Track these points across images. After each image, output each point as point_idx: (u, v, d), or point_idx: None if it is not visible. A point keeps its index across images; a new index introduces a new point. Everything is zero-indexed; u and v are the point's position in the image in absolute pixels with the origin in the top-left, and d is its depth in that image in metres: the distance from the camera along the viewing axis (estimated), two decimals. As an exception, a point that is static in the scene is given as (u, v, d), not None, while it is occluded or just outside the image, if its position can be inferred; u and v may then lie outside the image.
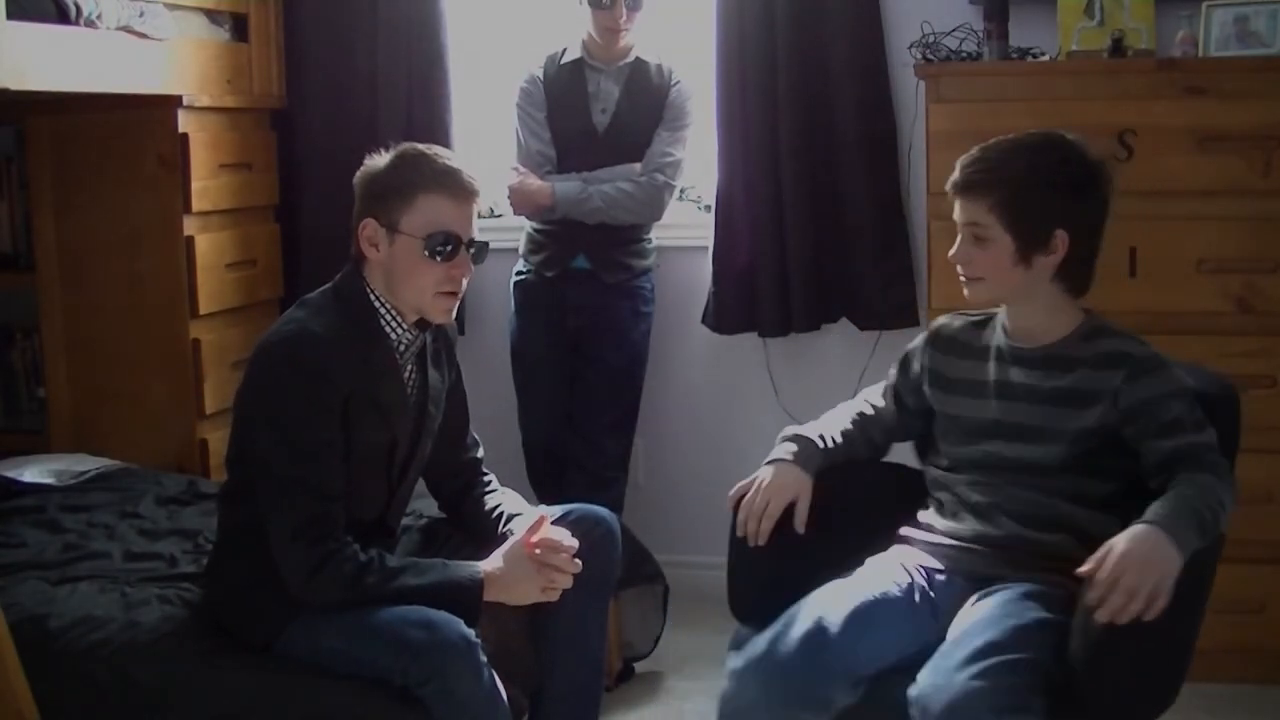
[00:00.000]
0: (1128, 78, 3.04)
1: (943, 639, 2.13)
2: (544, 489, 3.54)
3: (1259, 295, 2.99)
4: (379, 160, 2.35)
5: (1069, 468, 2.22)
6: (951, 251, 2.29)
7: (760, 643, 2.17)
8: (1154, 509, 2.02)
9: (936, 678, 1.98)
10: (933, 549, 2.31)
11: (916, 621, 2.21)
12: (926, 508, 2.38)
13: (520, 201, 3.46)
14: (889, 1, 3.53)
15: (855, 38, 3.51)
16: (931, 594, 2.25)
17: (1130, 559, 1.93)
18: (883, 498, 2.47)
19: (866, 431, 2.48)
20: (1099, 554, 1.96)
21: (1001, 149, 2.26)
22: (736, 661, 2.19)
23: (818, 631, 2.13)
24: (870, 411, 2.50)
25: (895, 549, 2.36)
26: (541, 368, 3.58)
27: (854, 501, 2.45)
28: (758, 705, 2.13)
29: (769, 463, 2.40)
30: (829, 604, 2.18)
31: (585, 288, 3.48)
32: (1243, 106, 2.96)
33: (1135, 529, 1.98)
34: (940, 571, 2.27)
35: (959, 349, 2.39)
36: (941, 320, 2.46)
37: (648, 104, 3.47)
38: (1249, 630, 3.07)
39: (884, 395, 2.50)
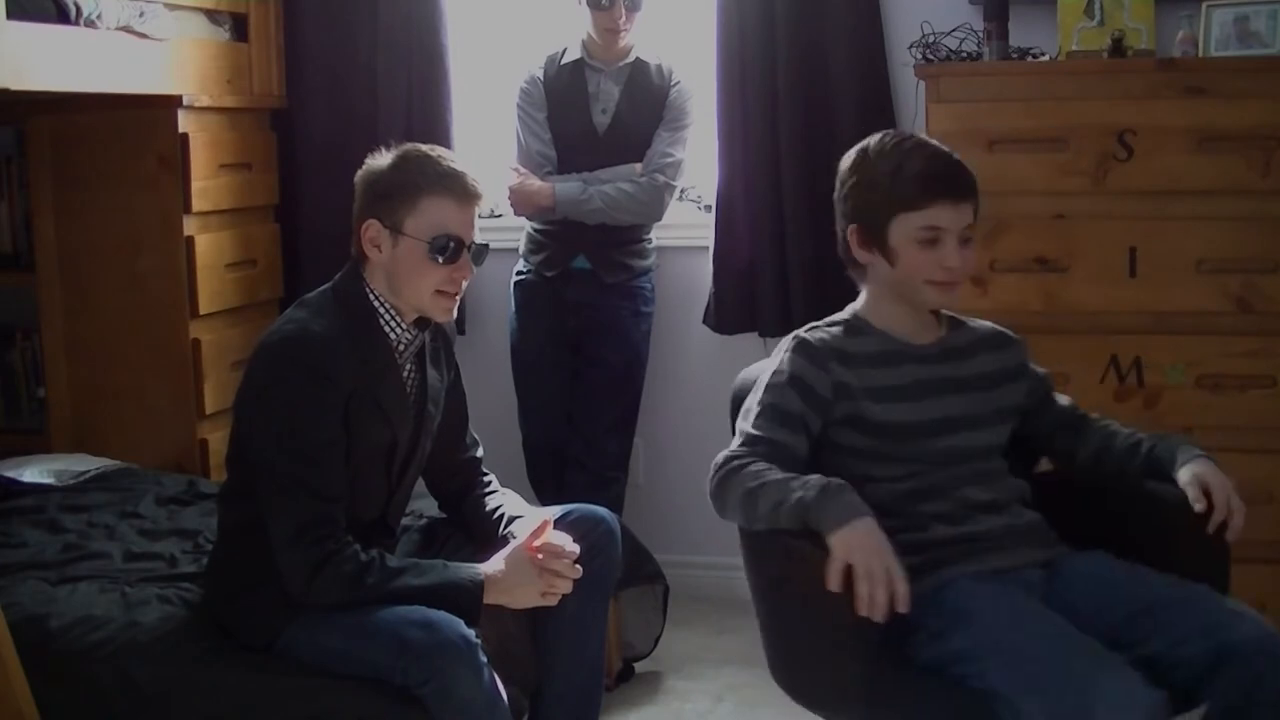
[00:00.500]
0: (1128, 78, 3.04)
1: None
2: (544, 489, 3.54)
3: (1259, 295, 2.99)
4: (381, 160, 2.35)
5: (1005, 445, 2.36)
6: (949, 259, 2.22)
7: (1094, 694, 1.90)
8: (1174, 446, 2.27)
9: (1256, 629, 2.03)
10: (982, 557, 2.21)
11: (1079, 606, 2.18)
12: (914, 528, 2.23)
13: (521, 202, 3.46)
14: (889, 1, 3.53)
15: (855, 38, 3.51)
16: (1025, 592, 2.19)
17: (1228, 485, 2.21)
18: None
19: (787, 469, 2.19)
20: (1195, 490, 2.18)
21: (952, 154, 2.28)
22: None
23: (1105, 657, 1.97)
24: (780, 447, 2.22)
25: (947, 572, 2.19)
26: (542, 368, 3.58)
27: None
28: None
29: (852, 521, 2.03)
30: (1048, 621, 2.05)
31: (585, 288, 3.48)
32: (1243, 106, 2.96)
33: (1200, 463, 2.22)
34: (1001, 572, 2.19)
35: (853, 359, 2.28)
36: (812, 336, 2.30)
37: (648, 104, 3.47)
38: (1249, 630, 3.07)
39: (780, 427, 2.22)
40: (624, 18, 3.36)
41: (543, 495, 3.46)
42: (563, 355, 3.56)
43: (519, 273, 3.60)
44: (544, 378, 3.59)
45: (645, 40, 3.48)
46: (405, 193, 2.29)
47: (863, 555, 1.99)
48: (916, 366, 2.30)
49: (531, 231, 3.56)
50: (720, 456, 2.24)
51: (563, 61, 3.49)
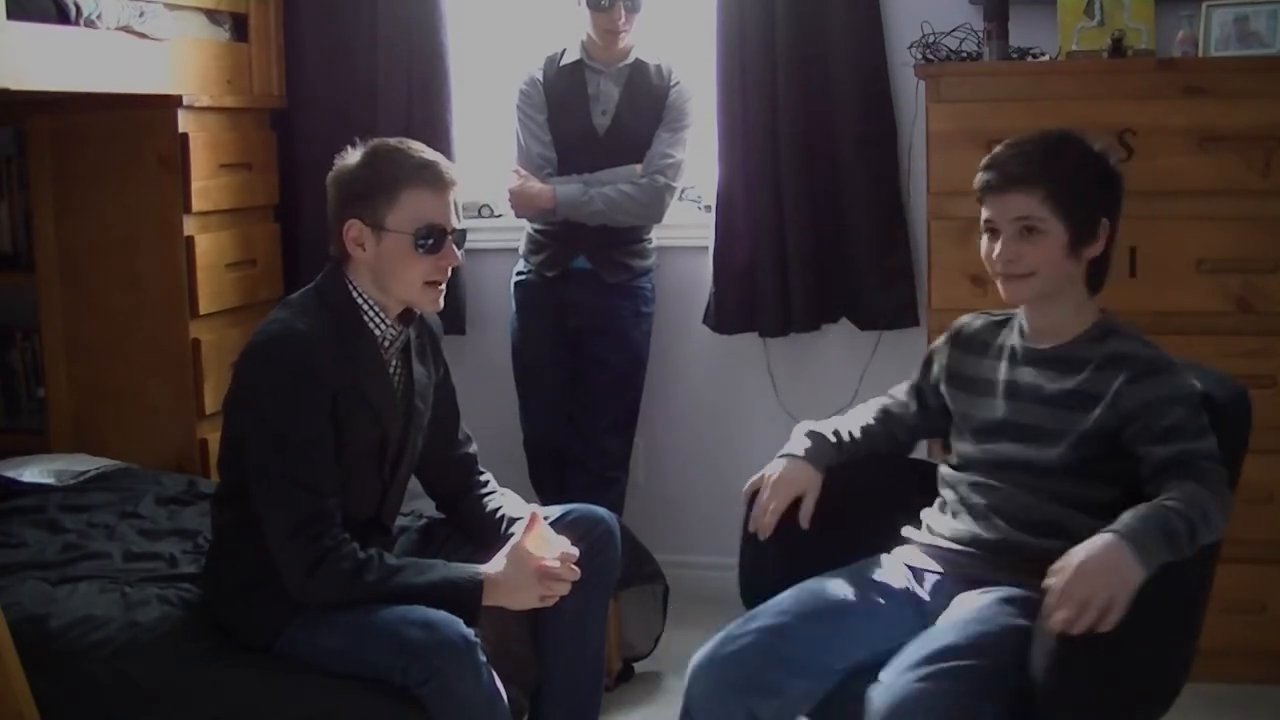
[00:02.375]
0: (1128, 78, 3.04)
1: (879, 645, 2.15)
2: (545, 488, 3.54)
3: (1259, 295, 2.99)
4: (351, 159, 2.35)
5: (1069, 470, 2.19)
6: (996, 251, 2.23)
7: (720, 633, 2.21)
8: (1125, 518, 1.97)
9: (888, 677, 1.99)
10: (928, 549, 2.31)
11: (898, 620, 2.20)
12: (933, 505, 2.38)
13: (522, 204, 3.46)
14: (889, 1, 3.53)
15: (855, 38, 3.51)
16: (921, 594, 2.25)
17: (1086, 569, 1.89)
18: (899, 492, 2.45)
19: (889, 428, 2.48)
20: (1058, 564, 1.93)
21: (1036, 143, 2.25)
22: (697, 654, 2.22)
23: (777, 623, 2.17)
24: (895, 408, 2.50)
25: (897, 548, 2.36)
26: (542, 368, 3.58)
27: (868, 496, 2.45)
28: (710, 694, 2.17)
29: (781, 456, 2.41)
30: (801, 598, 2.22)
31: (586, 288, 3.48)
32: (1243, 106, 2.96)
33: (1096, 539, 1.94)
34: (932, 572, 2.27)
35: (978, 348, 2.39)
36: (964, 319, 2.46)
37: (648, 105, 3.46)
38: (1249, 630, 3.07)
39: (908, 393, 2.51)
40: (623, 19, 3.36)
41: (543, 495, 3.46)
42: (563, 355, 3.56)
43: (519, 273, 3.60)
44: (544, 378, 3.59)
45: (645, 41, 3.48)
46: (383, 189, 2.29)
47: (770, 478, 2.36)
48: (1005, 365, 2.32)
49: (532, 232, 3.56)
50: None
51: (562, 63, 3.49)
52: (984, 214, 2.26)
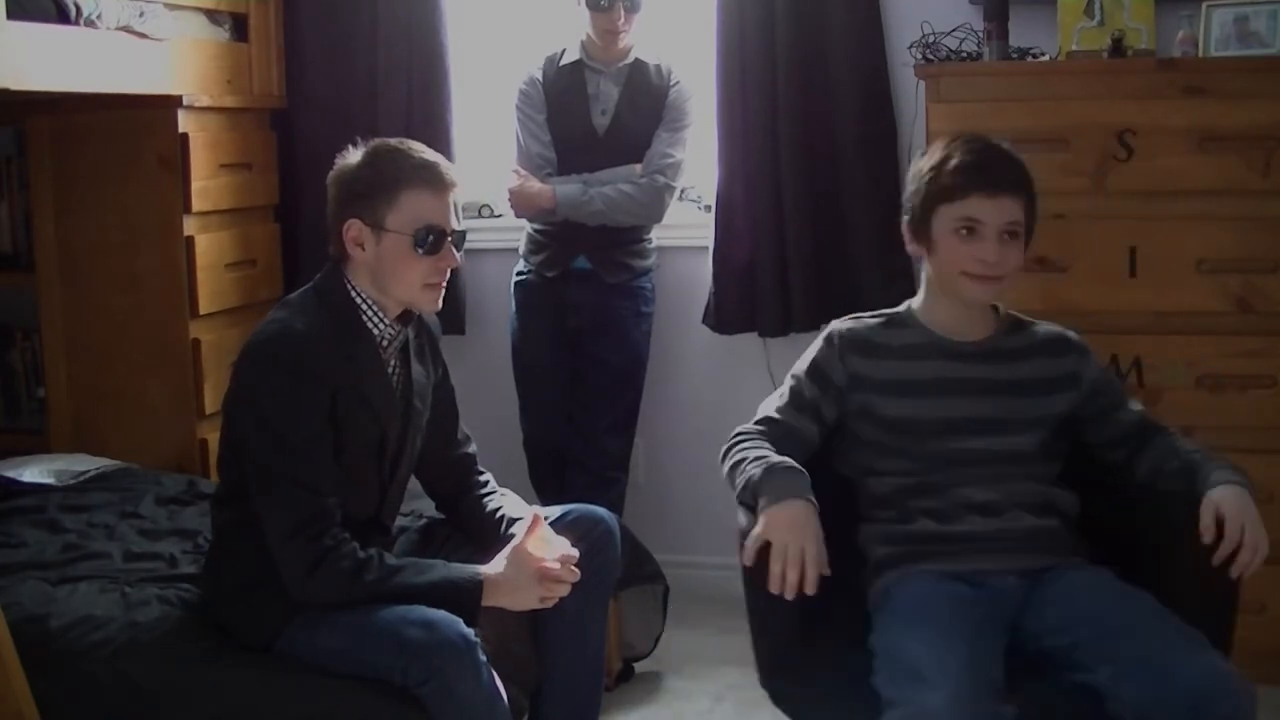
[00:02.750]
0: (1128, 78, 3.04)
1: (1007, 633, 2.12)
2: (545, 489, 3.54)
3: (1259, 295, 2.99)
4: (352, 159, 2.35)
5: (1044, 453, 2.31)
6: (976, 251, 2.24)
7: (930, 701, 1.94)
8: (1215, 470, 2.17)
9: (1192, 668, 1.97)
10: (956, 558, 2.24)
11: (994, 630, 2.14)
12: (901, 521, 2.28)
13: (521, 204, 3.45)
14: (889, 1, 3.53)
15: (855, 38, 3.50)
16: (984, 598, 2.18)
17: (1247, 517, 2.08)
18: (838, 506, 2.32)
19: (791, 453, 2.26)
20: (1208, 518, 2.10)
21: (1002, 150, 2.29)
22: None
23: (960, 661, 1.99)
24: (797, 434, 2.33)
25: (917, 568, 2.23)
26: (542, 368, 3.58)
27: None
28: None
29: (770, 504, 2.11)
30: (947, 654, 2.00)
31: (586, 288, 3.48)
32: (1243, 106, 2.96)
33: (1226, 490, 2.12)
34: (979, 574, 2.21)
35: (880, 351, 2.35)
36: (837, 325, 2.41)
37: (648, 105, 3.46)
38: (1249, 630, 3.05)
39: (795, 412, 2.34)
40: (623, 19, 3.36)
41: (544, 495, 3.46)
42: (563, 355, 3.56)
43: (519, 273, 3.60)
44: (544, 378, 3.59)
45: (645, 41, 3.48)
46: (383, 189, 2.29)
47: (780, 533, 2.06)
48: (949, 363, 2.32)
49: (532, 232, 3.56)
50: (733, 431, 2.35)
51: (562, 63, 3.48)
52: (964, 212, 2.25)
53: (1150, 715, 1.96)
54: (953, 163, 2.26)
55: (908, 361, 2.33)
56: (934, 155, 2.32)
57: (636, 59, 3.46)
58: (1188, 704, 1.93)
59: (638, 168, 3.44)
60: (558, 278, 3.50)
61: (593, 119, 3.46)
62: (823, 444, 2.36)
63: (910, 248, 2.37)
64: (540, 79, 3.50)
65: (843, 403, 2.34)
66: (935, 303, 2.36)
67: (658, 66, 3.48)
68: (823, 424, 2.36)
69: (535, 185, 3.42)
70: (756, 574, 2.08)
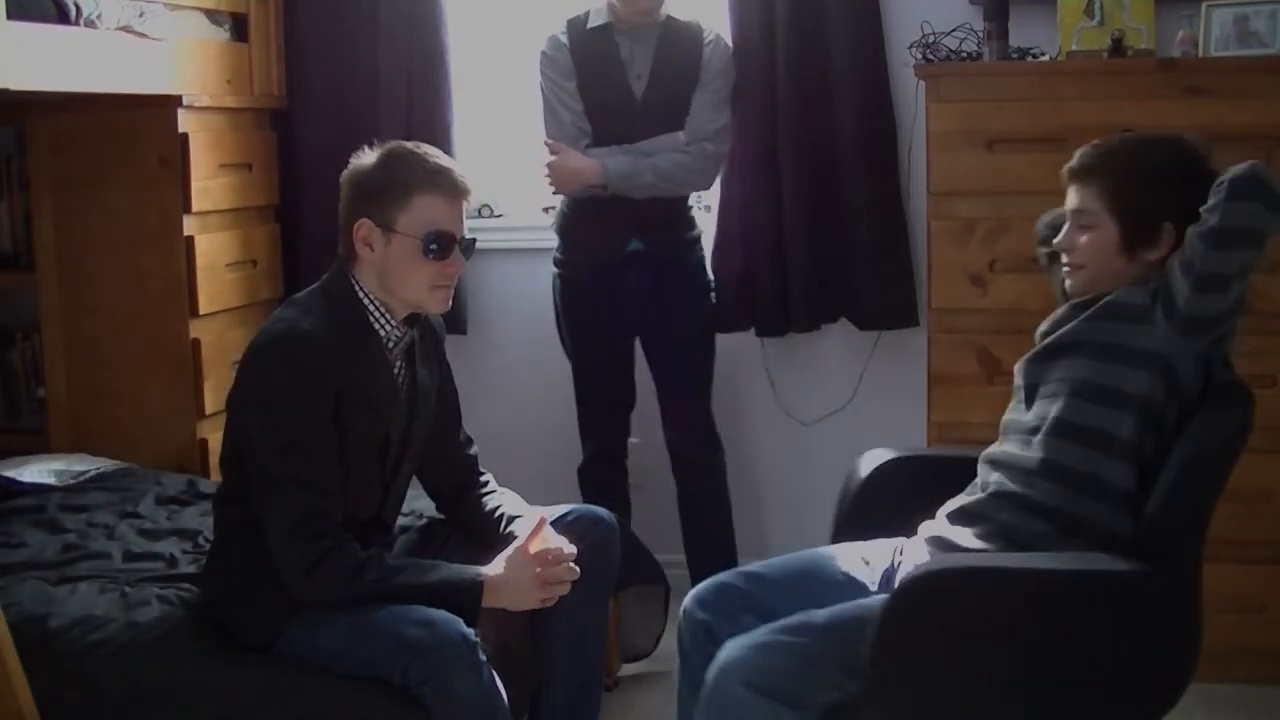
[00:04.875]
0: (1128, 78, 3.04)
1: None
2: (604, 495, 3.37)
3: (1259, 295, 2.98)
4: (367, 160, 2.35)
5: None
6: (1058, 239, 2.27)
7: (711, 583, 2.34)
8: None
9: (747, 637, 2.10)
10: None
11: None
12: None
13: (564, 180, 3.26)
14: (889, 1, 3.53)
15: (855, 38, 3.50)
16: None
17: None
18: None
19: None
20: None
21: (1121, 139, 2.27)
22: (689, 599, 2.35)
23: (759, 572, 2.32)
24: None
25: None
26: (605, 366, 3.44)
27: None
28: (694, 625, 2.31)
29: None
30: (792, 559, 2.32)
31: (643, 272, 3.33)
32: (1243, 106, 2.96)
33: None
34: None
35: None
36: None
37: (683, 67, 3.30)
38: (1249, 630, 3.07)
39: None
40: None
41: (603, 501, 3.32)
42: (626, 348, 3.44)
43: (560, 266, 3.43)
44: (609, 376, 3.45)
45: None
46: (396, 191, 2.29)
47: None
48: None
49: (568, 220, 3.40)
50: None
51: (589, 25, 3.30)
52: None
53: None
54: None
55: None
56: None
57: (668, 17, 3.31)
58: None
59: (680, 135, 3.29)
60: (611, 265, 3.32)
61: (630, 84, 3.28)
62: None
63: None
64: (566, 43, 3.32)
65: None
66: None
67: (689, 24, 3.34)
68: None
69: (577, 158, 3.25)
70: None
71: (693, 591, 2.35)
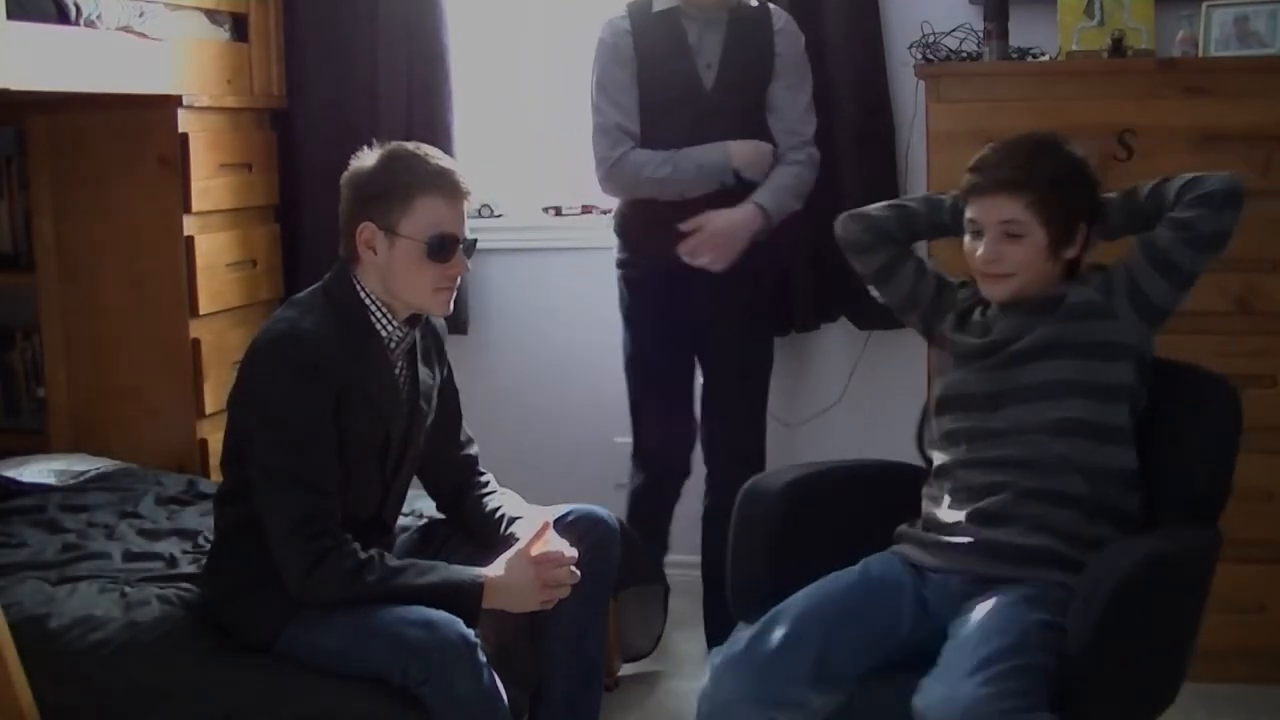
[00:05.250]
0: (1128, 78, 3.04)
1: (939, 636, 2.13)
2: (667, 506, 3.32)
3: (1259, 295, 2.99)
4: (368, 161, 2.34)
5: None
6: (980, 251, 2.29)
7: (741, 640, 2.19)
8: None
9: (944, 688, 1.97)
10: (927, 548, 2.30)
11: (908, 620, 2.21)
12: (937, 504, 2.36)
13: (727, 246, 2.97)
14: (889, 1, 3.53)
15: (855, 38, 3.50)
16: (924, 593, 2.25)
17: None
18: (882, 500, 2.48)
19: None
20: None
21: (1022, 147, 2.30)
22: (716, 657, 2.20)
23: (795, 632, 2.14)
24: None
25: (893, 549, 2.36)
26: (667, 372, 3.24)
27: (856, 501, 2.48)
28: (733, 704, 2.15)
29: None
30: (812, 603, 2.20)
31: (709, 273, 3.05)
32: (1243, 106, 2.96)
33: None
34: (935, 571, 2.26)
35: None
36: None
37: (753, 54, 3.07)
38: (1249, 630, 3.07)
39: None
40: None
41: (657, 512, 3.30)
42: (688, 354, 3.22)
43: (626, 269, 3.22)
44: (671, 383, 3.25)
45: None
46: (398, 194, 2.29)
47: None
48: None
49: (630, 222, 3.20)
50: None
51: (655, 9, 3.06)
52: (969, 214, 2.31)
53: None
54: (970, 163, 2.32)
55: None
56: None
57: (738, 1, 3.09)
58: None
59: (764, 145, 3.08)
60: (678, 268, 3.05)
61: (699, 73, 3.04)
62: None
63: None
64: (628, 28, 3.06)
65: None
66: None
67: (758, 6, 3.13)
68: None
69: (726, 217, 2.95)
70: None
71: (728, 661, 2.17)
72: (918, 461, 2.53)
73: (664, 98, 3.05)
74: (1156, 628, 2.07)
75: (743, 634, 2.20)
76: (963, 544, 2.25)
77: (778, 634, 2.15)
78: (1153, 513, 2.28)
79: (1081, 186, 2.30)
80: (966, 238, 2.34)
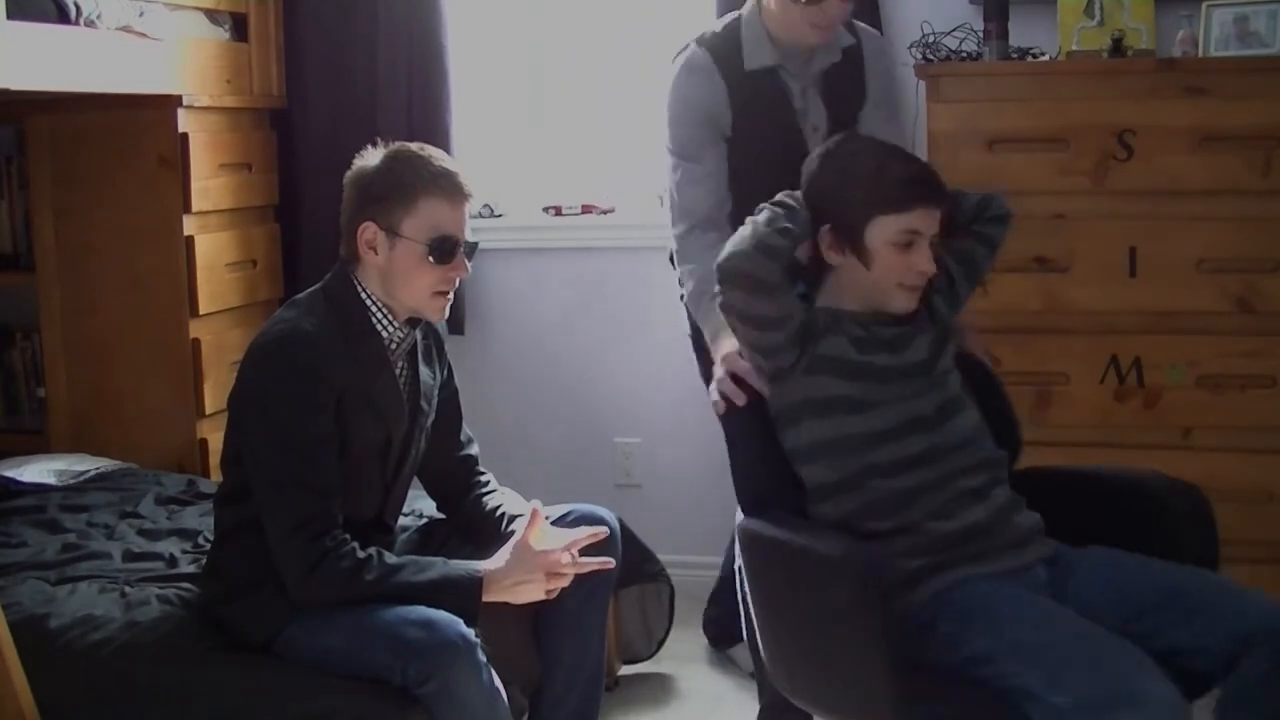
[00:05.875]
0: (1128, 78, 3.04)
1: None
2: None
3: (1259, 295, 2.99)
4: (370, 161, 2.34)
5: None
6: (914, 261, 2.23)
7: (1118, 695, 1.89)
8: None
9: (1273, 611, 2.00)
10: (993, 555, 2.22)
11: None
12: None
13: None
14: (889, 1, 3.53)
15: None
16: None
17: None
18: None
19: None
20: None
21: (910, 155, 2.35)
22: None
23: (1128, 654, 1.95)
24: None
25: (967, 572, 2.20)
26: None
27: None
28: None
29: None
30: (1065, 618, 2.06)
31: None
32: (1243, 106, 2.96)
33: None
34: (1013, 572, 2.19)
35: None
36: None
37: (850, 90, 2.76)
38: (1249, 630, 3.07)
39: None
40: (840, 7, 2.61)
41: None
42: None
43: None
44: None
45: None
46: (400, 194, 2.29)
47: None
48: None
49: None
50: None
51: (749, 67, 2.68)
52: (902, 225, 2.22)
53: (1238, 656, 1.98)
54: (896, 173, 2.23)
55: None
56: (860, 163, 2.26)
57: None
58: (1268, 637, 1.96)
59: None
60: None
61: (807, 138, 2.68)
62: None
63: (830, 257, 2.27)
64: (726, 91, 2.66)
65: None
66: (843, 303, 2.30)
67: (846, 37, 2.77)
68: None
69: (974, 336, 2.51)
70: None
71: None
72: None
73: (760, 162, 2.63)
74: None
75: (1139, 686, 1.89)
76: (1016, 537, 2.22)
77: (1125, 668, 1.92)
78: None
79: None
80: (886, 250, 2.22)
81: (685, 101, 2.69)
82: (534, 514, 2.34)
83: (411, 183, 2.29)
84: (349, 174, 2.36)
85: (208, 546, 2.64)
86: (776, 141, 2.65)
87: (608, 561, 2.39)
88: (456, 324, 3.73)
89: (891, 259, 2.24)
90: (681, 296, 2.81)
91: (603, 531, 2.39)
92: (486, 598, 2.26)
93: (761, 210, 2.28)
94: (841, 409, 2.23)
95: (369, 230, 2.31)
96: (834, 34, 2.68)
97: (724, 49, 2.68)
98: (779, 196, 2.30)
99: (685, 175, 2.68)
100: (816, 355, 2.25)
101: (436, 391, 2.50)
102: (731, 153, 2.70)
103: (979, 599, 2.11)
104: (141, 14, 3.21)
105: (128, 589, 2.54)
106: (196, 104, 3.46)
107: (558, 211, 3.88)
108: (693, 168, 2.68)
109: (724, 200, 2.66)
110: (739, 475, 2.32)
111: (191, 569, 2.64)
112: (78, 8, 2.99)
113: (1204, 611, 2.04)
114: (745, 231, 2.25)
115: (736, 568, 2.34)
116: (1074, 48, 3.10)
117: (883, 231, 2.22)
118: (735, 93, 2.66)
